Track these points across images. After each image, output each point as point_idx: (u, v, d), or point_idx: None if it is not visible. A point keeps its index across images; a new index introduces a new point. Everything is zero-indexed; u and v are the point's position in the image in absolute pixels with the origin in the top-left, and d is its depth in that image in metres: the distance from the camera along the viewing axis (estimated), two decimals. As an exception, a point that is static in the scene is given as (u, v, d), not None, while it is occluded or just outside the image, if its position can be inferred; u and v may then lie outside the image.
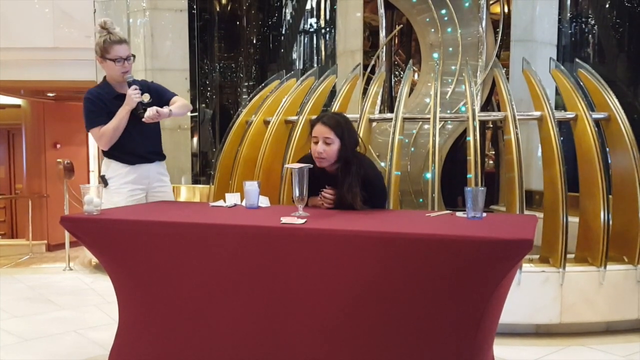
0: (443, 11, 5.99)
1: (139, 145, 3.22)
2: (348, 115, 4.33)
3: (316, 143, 2.81)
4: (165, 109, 3.13)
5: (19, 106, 10.54)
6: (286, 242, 2.31)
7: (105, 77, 3.27)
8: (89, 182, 9.08)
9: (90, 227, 2.62)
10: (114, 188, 3.15)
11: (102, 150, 3.26)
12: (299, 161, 3.08)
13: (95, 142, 3.33)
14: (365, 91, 4.85)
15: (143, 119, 3.05)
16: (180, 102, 3.29)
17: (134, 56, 3.21)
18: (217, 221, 2.51)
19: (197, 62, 6.59)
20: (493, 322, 2.35)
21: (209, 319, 2.51)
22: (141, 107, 3.09)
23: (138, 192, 3.25)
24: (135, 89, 3.11)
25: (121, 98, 3.15)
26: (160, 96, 3.27)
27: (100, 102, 3.16)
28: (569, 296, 3.59)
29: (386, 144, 4.09)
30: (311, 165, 2.68)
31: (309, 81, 4.88)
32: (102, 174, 3.24)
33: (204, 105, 6.80)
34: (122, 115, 3.11)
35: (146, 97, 3.13)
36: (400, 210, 4.10)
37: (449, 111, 5.49)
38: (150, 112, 3.04)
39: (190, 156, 6.49)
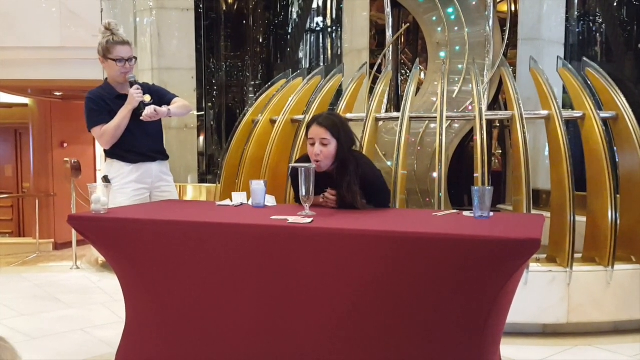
0: (450, 10, 5.98)
1: (141, 144, 3.23)
2: (355, 115, 4.37)
3: (312, 145, 2.79)
4: (164, 108, 3.15)
5: (26, 105, 10.58)
6: (293, 242, 2.31)
7: (106, 79, 3.29)
8: (96, 181, 9.11)
9: (98, 226, 2.63)
10: (117, 188, 3.15)
11: (104, 151, 3.27)
12: (298, 160, 3.08)
13: (99, 142, 3.35)
14: (371, 90, 4.84)
15: (141, 117, 3.08)
16: (180, 103, 3.30)
17: (135, 58, 3.24)
18: (223, 220, 2.51)
19: (204, 61, 6.60)
20: (500, 321, 2.35)
21: (216, 318, 2.51)
22: (143, 107, 3.11)
23: (142, 191, 3.25)
24: (138, 89, 3.13)
25: (122, 98, 3.17)
26: (161, 98, 3.28)
27: (102, 101, 3.17)
28: (577, 296, 3.58)
29: (393, 143, 4.09)
30: (314, 166, 2.67)
31: (316, 80, 4.87)
32: (104, 174, 3.24)
33: (210, 104, 6.81)
34: (124, 114, 3.13)
35: (147, 98, 3.15)
36: (406, 209, 4.09)
37: (455, 110, 5.48)
38: (149, 110, 3.07)
39: (196, 155, 6.50)
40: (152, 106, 3.09)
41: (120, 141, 3.18)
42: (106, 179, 3.19)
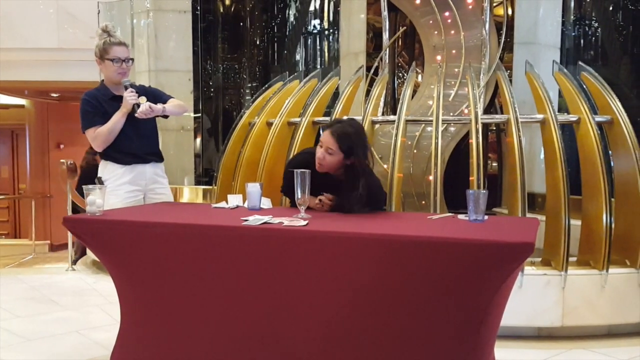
0: (446, 13, 5.99)
1: (135, 145, 3.24)
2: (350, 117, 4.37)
3: (321, 147, 2.81)
4: (159, 106, 3.17)
5: (22, 106, 10.57)
6: (288, 244, 2.32)
7: (102, 80, 3.30)
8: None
9: (93, 227, 2.63)
10: (111, 189, 3.15)
11: (99, 152, 3.28)
12: (296, 157, 3.08)
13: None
14: (368, 93, 4.85)
15: (136, 114, 3.10)
16: (176, 102, 3.33)
17: (132, 59, 3.25)
18: (219, 222, 2.51)
19: (201, 63, 6.61)
20: (494, 325, 2.35)
21: (210, 320, 2.51)
22: (137, 109, 3.12)
23: (136, 192, 3.26)
24: (132, 92, 3.14)
25: (117, 99, 3.19)
26: (157, 99, 3.29)
27: (97, 102, 3.19)
28: (571, 299, 3.59)
29: (389, 146, 4.10)
30: (309, 171, 2.65)
31: (312, 83, 4.88)
32: (98, 175, 3.25)
33: (207, 106, 6.81)
34: (117, 118, 3.14)
35: (143, 100, 3.15)
36: (402, 212, 4.10)
37: (452, 114, 5.49)
38: (144, 107, 3.09)
39: (193, 157, 6.50)
40: (147, 103, 3.11)
41: (113, 142, 3.19)
42: (100, 180, 3.20)
